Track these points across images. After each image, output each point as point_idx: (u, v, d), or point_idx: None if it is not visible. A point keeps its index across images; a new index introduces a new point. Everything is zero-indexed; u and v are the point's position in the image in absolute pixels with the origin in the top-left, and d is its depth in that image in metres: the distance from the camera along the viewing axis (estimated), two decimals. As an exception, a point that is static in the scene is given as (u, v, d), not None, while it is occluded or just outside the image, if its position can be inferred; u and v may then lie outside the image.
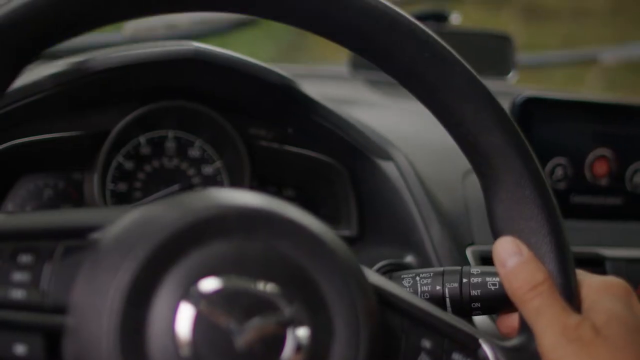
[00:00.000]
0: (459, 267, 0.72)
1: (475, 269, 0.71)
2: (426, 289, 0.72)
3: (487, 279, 0.70)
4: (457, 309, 0.71)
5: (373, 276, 0.58)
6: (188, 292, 0.50)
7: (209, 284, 0.50)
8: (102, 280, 0.50)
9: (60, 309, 0.51)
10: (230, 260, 0.51)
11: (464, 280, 0.71)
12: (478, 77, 0.61)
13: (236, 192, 0.55)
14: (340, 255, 0.54)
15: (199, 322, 0.49)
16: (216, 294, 0.50)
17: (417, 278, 0.73)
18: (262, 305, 0.50)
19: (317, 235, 0.54)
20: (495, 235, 0.62)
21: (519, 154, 0.60)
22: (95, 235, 0.53)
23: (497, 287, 0.69)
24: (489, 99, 0.60)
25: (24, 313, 0.51)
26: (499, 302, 0.67)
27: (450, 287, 0.71)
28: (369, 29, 0.58)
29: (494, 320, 0.88)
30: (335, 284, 0.53)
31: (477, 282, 0.70)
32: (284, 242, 0.53)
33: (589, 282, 0.61)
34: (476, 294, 0.70)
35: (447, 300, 0.71)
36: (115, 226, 0.53)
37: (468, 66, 0.60)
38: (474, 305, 0.70)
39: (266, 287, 0.51)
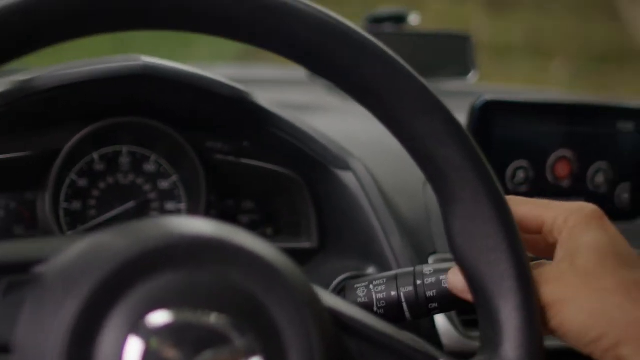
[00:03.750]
0: (411, 269, 0.72)
1: (427, 268, 0.71)
2: (381, 296, 0.72)
3: (441, 277, 0.70)
4: (415, 312, 0.71)
5: (329, 299, 0.57)
6: (136, 327, 0.48)
7: (158, 318, 0.48)
8: (46, 318, 0.48)
9: (4, 349, 0.49)
10: (180, 291, 0.50)
11: (418, 282, 0.71)
12: (431, 89, 0.59)
13: (185, 220, 0.53)
14: (293, 281, 0.52)
15: (148, 358, 0.48)
16: (165, 327, 0.48)
17: (371, 286, 0.73)
18: (213, 337, 0.49)
19: (268, 262, 0.52)
20: (453, 252, 0.60)
21: (474, 168, 0.59)
22: (39, 269, 0.51)
23: None
24: (443, 113, 0.59)
25: None
26: (455, 300, 0.66)
27: (405, 291, 0.71)
28: (318, 45, 0.57)
29: (454, 325, 0.88)
30: (288, 312, 0.51)
31: (432, 282, 0.70)
32: (234, 271, 0.51)
33: (561, 220, 0.62)
34: (432, 294, 0.70)
35: (404, 304, 0.71)
36: (59, 259, 0.51)
37: (421, 79, 0.59)
38: (431, 306, 0.70)
39: (217, 319, 0.49)
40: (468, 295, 0.63)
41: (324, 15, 0.57)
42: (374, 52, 0.58)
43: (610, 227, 0.61)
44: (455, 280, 0.65)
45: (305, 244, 0.93)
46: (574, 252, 0.60)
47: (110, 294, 0.48)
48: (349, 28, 0.57)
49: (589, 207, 0.62)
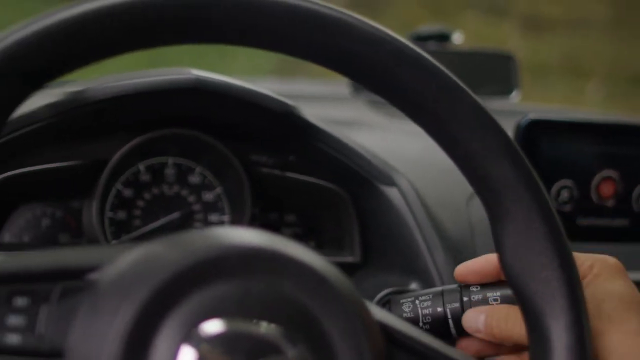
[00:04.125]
0: (457, 285, 0.71)
1: (474, 286, 0.71)
2: (427, 311, 0.71)
3: (488, 294, 0.69)
4: (461, 329, 0.70)
5: (378, 312, 0.57)
6: (189, 336, 0.48)
7: (211, 327, 0.49)
8: (100, 324, 0.48)
9: (57, 354, 0.49)
10: (232, 301, 0.50)
11: (465, 298, 0.70)
12: (484, 106, 0.59)
13: (237, 231, 0.53)
14: (344, 293, 0.52)
15: None
16: (218, 336, 0.48)
17: (417, 302, 0.72)
18: (265, 347, 0.49)
19: (319, 273, 0.52)
20: (504, 270, 0.60)
21: (527, 185, 0.58)
22: (93, 276, 0.52)
23: (498, 302, 0.69)
24: (496, 129, 0.59)
25: (19, 358, 0.49)
26: None
27: (451, 307, 0.70)
28: (373, 61, 0.57)
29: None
30: (340, 323, 0.51)
31: (478, 298, 0.70)
32: (286, 282, 0.51)
33: (586, 266, 0.65)
34: None
35: (450, 321, 0.71)
36: (113, 266, 0.51)
37: (475, 96, 0.59)
38: None
39: (269, 329, 0.49)
40: (482, 335, 0.66)
41: (379, 32, 0.57)
42: (429, 69, 0.58)
43: (629, 280, 0.65)
44: (469, 319, 0.68)
45: (348, 259, 0.93)
46: (599, 298, 0.62)
47: (163, 303, 0.49)
48: (403, 44, 0.57)
49: (612, 259, 0.66)
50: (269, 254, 0.52)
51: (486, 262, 0.70)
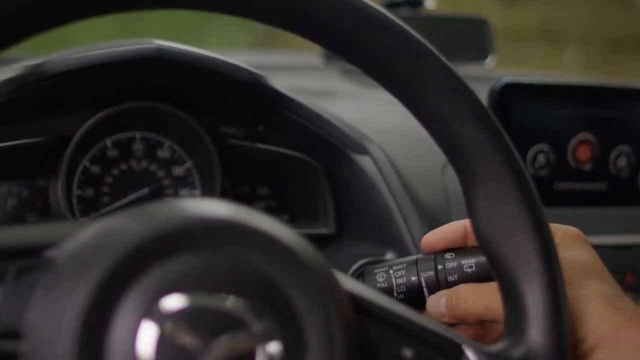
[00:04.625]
0: (432, 255, 0.70)
1: (448, 253, 0.70)
2: (401, 281, 0.71)
3: (462, 261, 0.69)
4: None
5: (348, 282, 0.55)
6: (150, 311, 0.47)
7: (173, 302, 0.47)
8: (57, 303, 0.46)
9: (14, 334, 0.48)
10: (195, 274, 0.48)
11: (439, 266, 0.70)
12: (453, 68, 0.57)
13: (201, 202, 0.51)
14: (311, 263, 0.51)
15: (163, 343, 0.46)
16: (180, 311, 0.47)
17: (391, 271, 0.72)
18: (230, 321, 0.47)
19: (285, 244, 0.50)
20: (476, 235, 0.59)
21: (497, 147, 0.57)
22: (51, 253, 0.50)
23: (473, 269, 0.68)
24: (465, 91, 0.57)
25: None
26: None
27: (425, 276, 0.70)
28: (337, 23, 0.55)
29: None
30: (307, 294, 0.50)
31: (453, 266, 0.69)
32: (251, 254, 0.49)
33: None
34: (453, 279, 0.69)
35: (425, 289, 0.70)
36: (70, 242, 0.49)
37: (442, 57, 0.57)
38: None
39: (234, 302, 0.48)
40: (446, 319, 0.67)
41: None
42: (394, 29, 0.56)
43: (591, 248, 0.66)
44: (431, 304, 0.68)
45: (322, 230, 0.92)
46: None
47: (122, 278, 0.47)
48: (367, 5, 0.55)
49: (574, 229, 0.67)
50: (234, 225, 0.50)
51: (450, 228, 0.70)
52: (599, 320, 0.60)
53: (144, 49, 0.83)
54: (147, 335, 0.46)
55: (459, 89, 0.57)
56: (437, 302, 0.68)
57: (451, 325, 0.67)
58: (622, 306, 0.61)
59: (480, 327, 0.69)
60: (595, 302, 0.60)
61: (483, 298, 0.65)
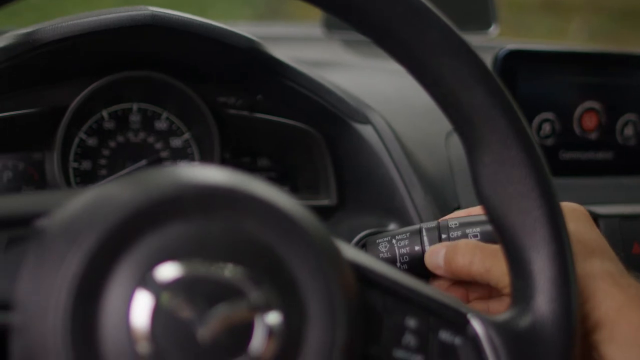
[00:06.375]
0: (435, 222, 0.70)
1: (452, 222, 0.69)
2: (404, 251, 0.70)
3: (467, 230, 0.68)
4: None
5: (350, 251, 0.54)
6: (144, 280, 0.45)
7: (167, 270, 0.45)
8: (48, 273, 0.45)
9: (5, 306, 0.46)
10: (190, 243, 0.46)
11: (443, 235, 0.69)
12: (456, 30, 0.55)
13: (196, 169, 0.50)
14: (312, 231, 0.49)
15: (158, 314, 0.44)
16: (176, 280, 0.45)
17: (394, 241, 0.71)
18: (227, 290, 0.46)
19: (284, 210, 0.49)
20: (482, 202, 0.57)
21: (502, 111, 0.55)
22: (41, 223, 0.48)
23: (478, 238, 0.67)
24: (469, 54, 0.55)
25: None
26: None
27: (429, 245, 0.68)
28: None
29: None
30: (307, 262, 0.48)
31: (457, 235, 0.68)
32: (248, 221, 0.48)
33: None
34: None
35: None
36: (61, 211, 0.48)
37: (445, 19, 0.55)
38: None
39: (231, 271, 0.46)
40: (441, 272, 0.66)
41: None
42: None
43: (594, 225, 0.64)
44: (430, 254, 0.67)
45: (324, 201, 0.91)
46: None
47: (115, 247, 0.45)
48: None
49: (578, 205, 0.66)
50: (230, 191, 0.48)
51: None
52: (602, 298, 0.58)
53: (137, 15, 0.82)
54: (142, 305, 0.44)
55: (462, 51, 0.55)
56: (437, 253, 0.66)
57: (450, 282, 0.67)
58: (625, 284, 0.59)
59: (486, 288, 0.67)
60: (599, 279, 0.59)
61: (484, 260, 0.63)
